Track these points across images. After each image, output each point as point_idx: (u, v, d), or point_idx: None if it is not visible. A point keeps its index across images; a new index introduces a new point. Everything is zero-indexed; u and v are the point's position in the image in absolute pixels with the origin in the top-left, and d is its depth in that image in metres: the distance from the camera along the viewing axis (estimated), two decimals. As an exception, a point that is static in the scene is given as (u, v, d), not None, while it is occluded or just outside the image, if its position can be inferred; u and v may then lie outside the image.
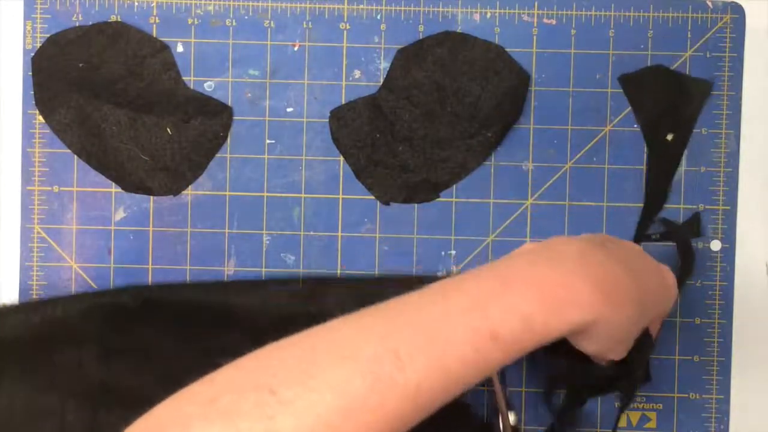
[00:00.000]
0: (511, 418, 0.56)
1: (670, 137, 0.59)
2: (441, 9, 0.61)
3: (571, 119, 0.61)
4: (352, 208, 0.61)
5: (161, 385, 0.58)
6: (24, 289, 0.60)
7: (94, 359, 0.58)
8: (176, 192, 0.60)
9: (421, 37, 0.60)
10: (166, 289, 0.58)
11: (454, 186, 0.60)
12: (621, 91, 0.60)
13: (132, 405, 0.58)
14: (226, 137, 0.60)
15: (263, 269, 0.60)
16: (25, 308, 0.57)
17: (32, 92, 0.60)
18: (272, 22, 0.61)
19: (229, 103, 0.60)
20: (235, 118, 0.61)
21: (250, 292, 0.58)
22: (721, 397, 0.60)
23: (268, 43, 0.61)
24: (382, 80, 0.60)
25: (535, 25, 0.61)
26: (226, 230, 0.61)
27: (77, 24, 0.60)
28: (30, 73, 0.60)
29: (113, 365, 0.58)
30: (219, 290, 0.58)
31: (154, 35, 0.60)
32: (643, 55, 0.60)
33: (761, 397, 0.61)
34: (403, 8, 0.61)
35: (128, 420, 0.56)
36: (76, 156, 0.60)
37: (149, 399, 0.58)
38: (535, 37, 0.61)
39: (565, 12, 0.61)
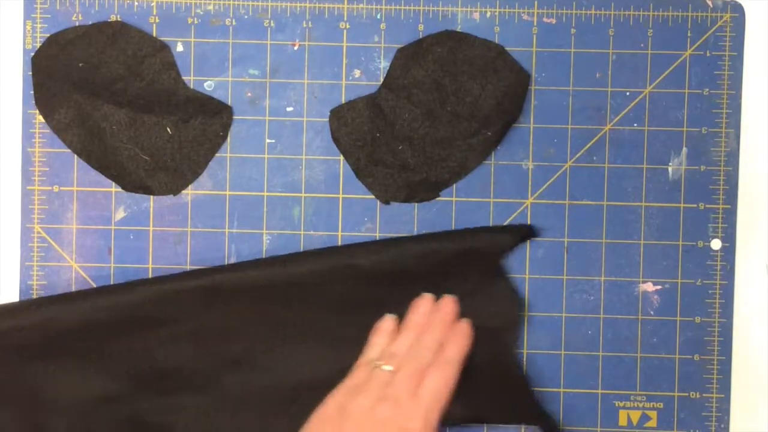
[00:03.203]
0: None
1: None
2: (441, 8, 0.61)
3: (571, 118, 0.61)
4: (352, 208, 0.61)
5: (232, 367, 0.59)
6: (24, 289, 0.60)
7: (166, 344, 0.58)
8: (176, 192, 0.60)
9: (421, 37, 0.60)
10: (235, 269, 0.58)
11: (455, 185, 0.60)
12: (621, 90, 0.61)
13: (203, 389, 0.58)
14: (226, 137, 0.60)
15: (263, 269, 0.60)
16: (95, 293, 0.57)
17: (32, 92, 0.60)
18: (272, 22, 0.61)
19: (229, 103, 0.60)
20: (235, 117, 0.61)
21: (313, 260, 0.58)
22: (722, 396, 0.60)
23: (268, 42, 0.61)
24: (382, 79, 0.60)
25: (535, 24, 0.61)
26: (226, 230, 0.61)
27: (77, 24, 0.60)
28: (30, 73, 0.60)
29: (184, 349, 0.58)
30: (284, 264, 0.58)
31: (154, 35, 0.60)
32: (643, 54, 0.60)
33: (761, 396, 0.61)
34: (403, 7, 0.61)
35: (199, 404, 0.57)
36: (76, 156, 0.60)
37: (220, 382, 0.59)
38: (535, 36, 0.61)
39: (564, 11, 0.61)
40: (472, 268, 0.58)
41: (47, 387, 0.57)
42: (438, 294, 0.58)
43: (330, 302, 0.58)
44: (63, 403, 0.58)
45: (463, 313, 0.58)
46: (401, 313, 0.58)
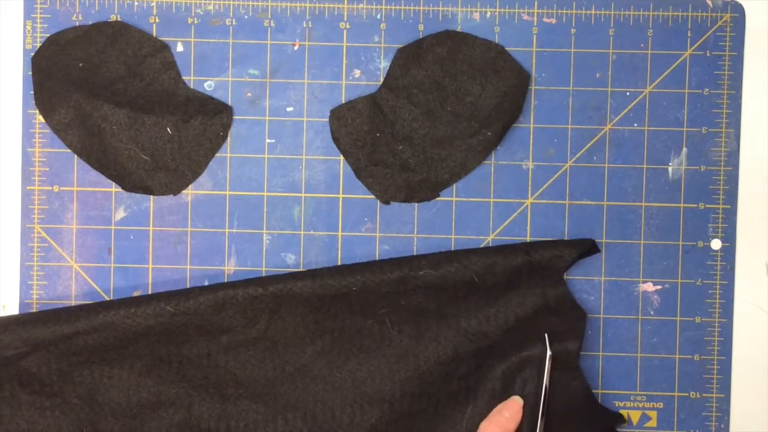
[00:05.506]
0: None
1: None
2: (441, 8, 0.61)
3: (571, 118, 0.61)
4: (353, 208, 0.61)
5: (288, 376, 0.59)
6: (24, 289, 0.60)
7: (223, 351, 0.58)
8: (176, 191, 0.60)
9: (421, 37, 0.60)
10: (295, 279, 0.58)
11: (455, 185, 0.60)
12: (621, 90, 0.61)
13: (259, 396, 0.59)
14: (226, 137, 0.60)
15: (263, 268, 0.60)
16: (155, 299, 0.57)
17: (32, 92, 0.60)
18: (272, 22, 0.61)
19: (229, 103, 0.61)
20: (235, 117, 0.61)
21: (372, 272, 0.58)
22: (722, 396, 0.60)
23: (268, 42, 0.61)
24: (382, 79, 0.60)
25: (535, 24, 0.61)
26: (227, 230, 0.61)
27: (77, 24, 0.60)
28: (30, 73, 0.60)
29: (241, 357, 0.58)
30: (344, 274, 0.58)
31: (154, 35, 0.60)
32: (643, 54, 0.60)
33: (761, 396, 0.61)
34: (403, 8, 0.61)
35: (254, 411, 0.57)
36: (76, 156, 0.60)
37: (276, 390, 0.59)
38: (535, 36, 0.61)
39: (565, 11, 0.61)
40: (535, 281, 0.58)
41: (104, 391, 0.58)
42: (499, 306, 0.58)
43: (389, 314, 0.58)
44: (120, 406, 0.58)
45: (526, 327, 0.58)
46: (459, 325, 0.58)
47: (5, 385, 0.57)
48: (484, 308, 0.58)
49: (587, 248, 0.59)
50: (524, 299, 0.58)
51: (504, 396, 0.58)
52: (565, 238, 0.60)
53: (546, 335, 0.57)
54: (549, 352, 0.57)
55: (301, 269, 0.60)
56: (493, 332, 0.58)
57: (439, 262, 0.58)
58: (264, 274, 0.60)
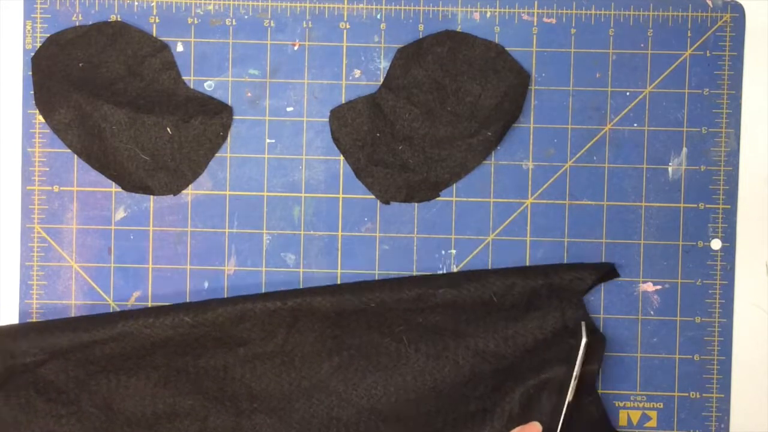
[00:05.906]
0: None
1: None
2: (441, 8, 0.61)
3: (571, 118, 0.61)
4: (353, 208, 0.61)
5: (304, 391, 0.59)
6: (24, 289, 0.60)
7: (239, 363, 0.58)
8: (176, 191, 0.60)
9: (421, 37, 0.60)
10: (313, 294, 0.58)
11: (455, 185, 0.60)
12: (621, 90, 0.61)
13: (274, 411, 0.58)
14: (226, 137, 0.60)
15: (263, 269, 0.60)
16: (174, 310, 0.58)
17: (32, 92, 0.60)
18: (272, 22, 0.61)
19: (229, 103, 0.61)
20: (235, 117, 0.61)
21: (390, 289, 0.58)
22: (722, 396, 0.60)
23: (268, 42, 0.61)
24: (382, 79, 0.60)
25: (535, 24, 0.61)
26: (227, 230, 0.61)
27: (77, 24, 0.60)
28: (30, 73, 0.60)
29: (258, 370, 0.58)
30: (362, 291, 0.58)
31: (154, 35, 0.60)
32: (643, 54, 0.60)
33: (761, 396, 0.61)
34: (403, 7, 0.61)
35: (269, 425, 0.57)
36: (76, 156, 0.60)
37: (291, 405, 0.59)
38: (535, 36, 0.61)
39: (564, 11, 0.61)
40: (554, 304, 0.58)
41: (120, 400, 0.58)
42: (517, 327, 0.58)
43: (406, 332, 0.58)
44: (135, 416, 0.58)
45: (545, 349, 0.58)
46: (477, 346, 0.58)
47: (22, 392, 0.57)
48: (503, 329, 0.58)
49: (606, 272, 0.59)
50: (543, 321, 0.58)
51: (522, 418, 0.57)
52: (566, 239, 0.60)
53: (583, 323, 0.57)
54: (584, 339, 0.56)
55: (301, 269, 0.60)
56: (511, 353, 0.58)
57: (458, 281, 0.58)
58: (264, 274, 0.60)
